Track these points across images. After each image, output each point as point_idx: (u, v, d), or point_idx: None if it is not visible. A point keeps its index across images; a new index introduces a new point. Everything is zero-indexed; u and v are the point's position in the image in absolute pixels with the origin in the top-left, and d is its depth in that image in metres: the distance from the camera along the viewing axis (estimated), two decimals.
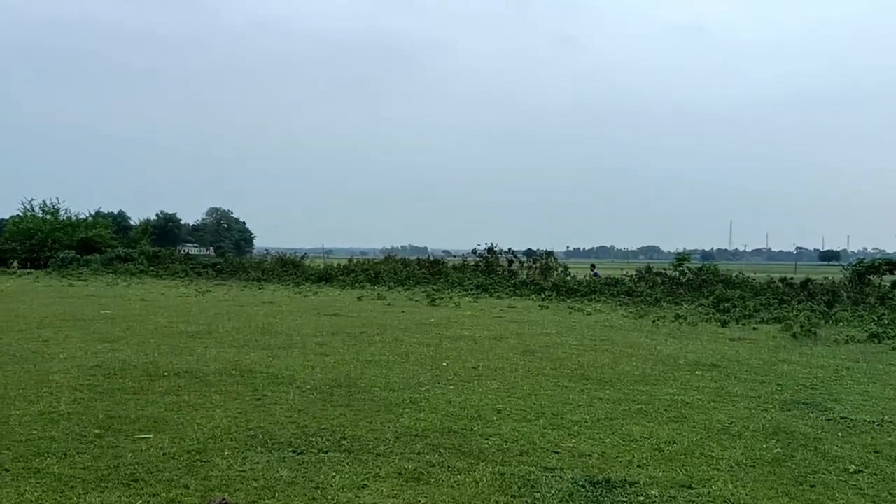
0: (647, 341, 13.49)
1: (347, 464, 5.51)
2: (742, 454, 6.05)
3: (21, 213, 55.27)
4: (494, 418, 7.08)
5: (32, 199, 55.20)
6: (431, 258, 38.99)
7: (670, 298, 23.87)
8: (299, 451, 5.77)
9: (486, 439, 6.30)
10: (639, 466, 5.67)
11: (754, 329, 16.23)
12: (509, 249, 35.61)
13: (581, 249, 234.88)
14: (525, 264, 34.11)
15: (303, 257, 41.52)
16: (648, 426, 6.93)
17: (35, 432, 6.13)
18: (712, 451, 6.10)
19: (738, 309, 19.53)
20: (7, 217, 62.26)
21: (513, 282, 29.52)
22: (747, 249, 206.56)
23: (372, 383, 8.67)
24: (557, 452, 5.97)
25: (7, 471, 5.11)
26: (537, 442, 6.27)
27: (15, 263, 50.40)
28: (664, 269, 29.86)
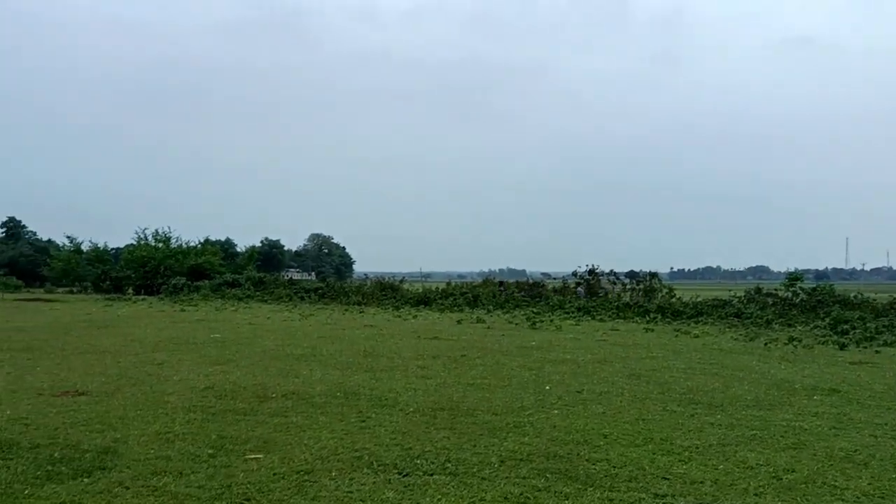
0: (759, 364, 12.95)
1: (453, 487, 5.47)
2: (869, 484, 5.69)
3: (135, 242, 58.15)
4: (601, 443, 6.91)
5: (146, 229, 58.08)
6: (530, 281, 38.76)
7: (782, 320, 22.93)
8: (405, 473, 5.77)
9: (594, 464, 6.15)
10: (755, 495, 5.41)
11: (877, 352, 15.38)
12: (611, 271, 35.07)
13: (686, 270, 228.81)
14: (628, 286, 33.48)
15: (401, 281, 41.94)
16: (764, 453, 6.62)
17: (152, 451, 6.36)
18: (835, 481, 5.76)
19: (857, 331, 18.59)
20: (123, 246, 65.69)
21: (616, 304, 28.97)
22: (866, 268, 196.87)
23: (475, 406, 8.63)
24: (668, 479, 5.77)
25: (127, 488, 5.30)
26: (646, 468, 6.08)
27: (130, 290, 53.00)
28: (775, 290, 28.75)
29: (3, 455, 6.14)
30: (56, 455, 6.16)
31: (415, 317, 26.22)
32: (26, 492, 5.17)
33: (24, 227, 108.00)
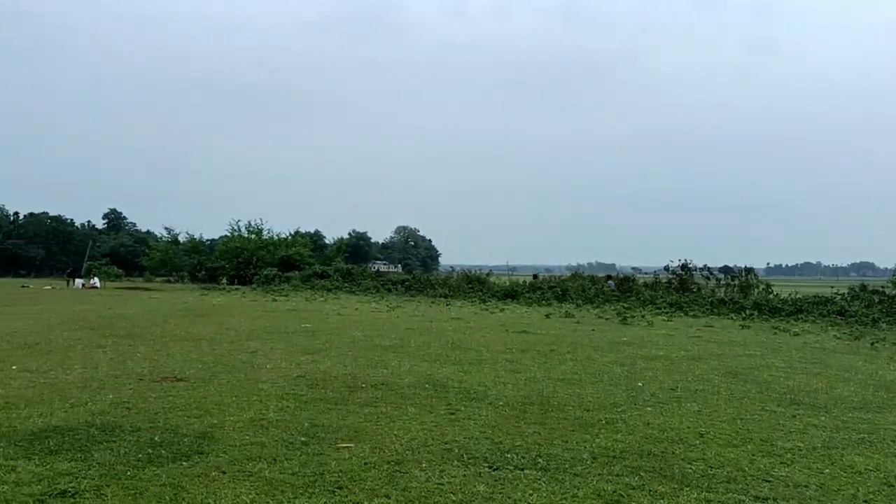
0: (865, 365, 12.35)
1: (544, 482, 5.37)
2: None
3: (229, 234, 59.93)
4: (697, 442, 6.69)
5: (239, 220, 59.80)
6: (620, 275, 38.11)
7: (890, 319, 21.83)
8: (495, 467, 5.70)
9: (689, 464, 5.95)
10: (864, 502, 5.14)
11: None
12: (704, 266, 34.18)
13: (783, 266, 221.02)
14: (722, 282, 32.52)
15: (488, 274, 41.88)
16: (873, 458, 6.27)
17: (247, 437, 6.47)
18: None
19: None
20: (217, 237, 67.86)
21: (710, 300, 28.17)
22: None
23: (565, 402, 8.49)
24: (769, 481, 5.53)
25: (224, 473, 5.41)
26: (746, 469, 5.84)
27: (224, 280, 54.68)
28: (881, 287, 27.45)
29: (107, 437, 6.36)
30: (156, 438, 6.35)
31: (502, 310, 26.11)
32: (129, 473, 5.33)
33: (124, 218, 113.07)
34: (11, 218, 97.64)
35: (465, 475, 5.48)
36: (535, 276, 39.69)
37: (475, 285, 37.62)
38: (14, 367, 10.25)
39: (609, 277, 36.41)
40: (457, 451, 6.15)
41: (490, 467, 5.70)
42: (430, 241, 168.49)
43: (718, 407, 8.38)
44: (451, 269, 58.75)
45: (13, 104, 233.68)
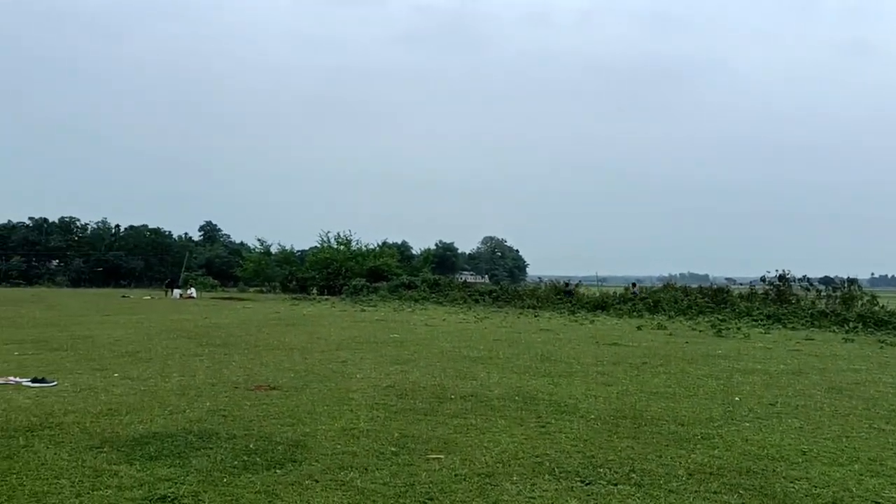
0: None
1: (638, 498, 5.23)
2: None
3: (319, 245, 61.10)
4: (799, 460, 6.40)
5: (329, 232, 60.84)
6: (714, 286, 37.11)
7: None
8: (588, 482, 5.58)
9: (792, 483, 5.69)
10: None
11: None
12: (804, 276, 32.92)
13: (889, 276, 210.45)
14: (823, 293, 31.23)
15: (577, 285, 41.43)
16: None
17: (339, 447, 6.54)
18: None
19: None
20: (307, 248, 69.33)
21: (810, 312, 27.09)
22: None
23: (659, 416, 8.27)
24: (879, 503, 5.23)
25: (317, 482, 5.47)
26: (853, 489, 5.55)
27: (314, 290, 55.76)
28: None
29: (204, 444, 6.53)
30: (251, 446, 6.48)
31: (592, 322, 25.76)
32: (225, 480, 5.45)
33: (219, 230, 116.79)
34: (113, 231, 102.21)
35: (556, 489, 5.39)
36: (633, 285, 39.30)
37: (564, 297, 37.26)
38: (116, 375, 10.68)
39: (634, 285, 37.90)
40: (548, 464, 6.06)
41: (582, 482, 5.59)
42: (517, 251, 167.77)
43: (822, 424, 8.01)
44: (538, 280, 58.38)
45: (119, 127, 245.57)
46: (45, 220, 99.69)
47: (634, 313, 29.82)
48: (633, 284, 39.24)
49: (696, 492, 5.41)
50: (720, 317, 26.75)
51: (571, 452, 6.48)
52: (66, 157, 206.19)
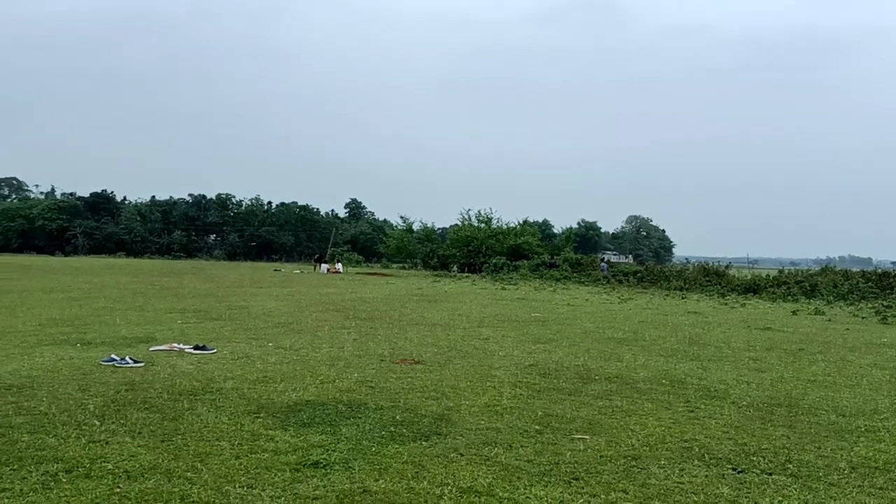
0: None
1: (795, 490, 4.98)
2: None
3: (459, 223, 61.69)
4: None
5: (469, 210, 61.29)
6: (879, 270, 34.71)
7: None
8: (740, 470, 5.36)
9: None
10: None
11: None
12: None
13: None
14: None
15: (727, 267, 39.85)
16: None
17: (482, 423, 6.59)
18: None
19: None
20: (448, 226, 70.16)
21: None
22: None
23: (817, 405, 7.83)
24: None
25: (462, 455, 5.54)
26: None
27: (455, 267, 56.45)
28: None
29: (353, 413, 6.75)
30: (398, 417, 6.64)
31: (743, 305, 24.72)
32: (373, 449, 5.61)
33: (363, 207, 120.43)
34: (265, 207, 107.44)
35: (707, 476, 5.21)
36: (602, 260, 37.94)
37: (713, 278, 35.99)
38: (270, 345, 11.21)
39: (602, 260, 36.57)
40: (697, 450, 5.86)
41: (734, 469, 5.38)
42: (663, 230, 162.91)
43: None
44: (686, 261, 56.58)
45: (267, 123, 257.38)
46: (204, 196, 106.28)
47: (789, 297, 28.38)
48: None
49: (859, 486, 5.10)
50: (885, 303, 24.99)
51: (722, 439, 6.24)
52: (222, 141, 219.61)
